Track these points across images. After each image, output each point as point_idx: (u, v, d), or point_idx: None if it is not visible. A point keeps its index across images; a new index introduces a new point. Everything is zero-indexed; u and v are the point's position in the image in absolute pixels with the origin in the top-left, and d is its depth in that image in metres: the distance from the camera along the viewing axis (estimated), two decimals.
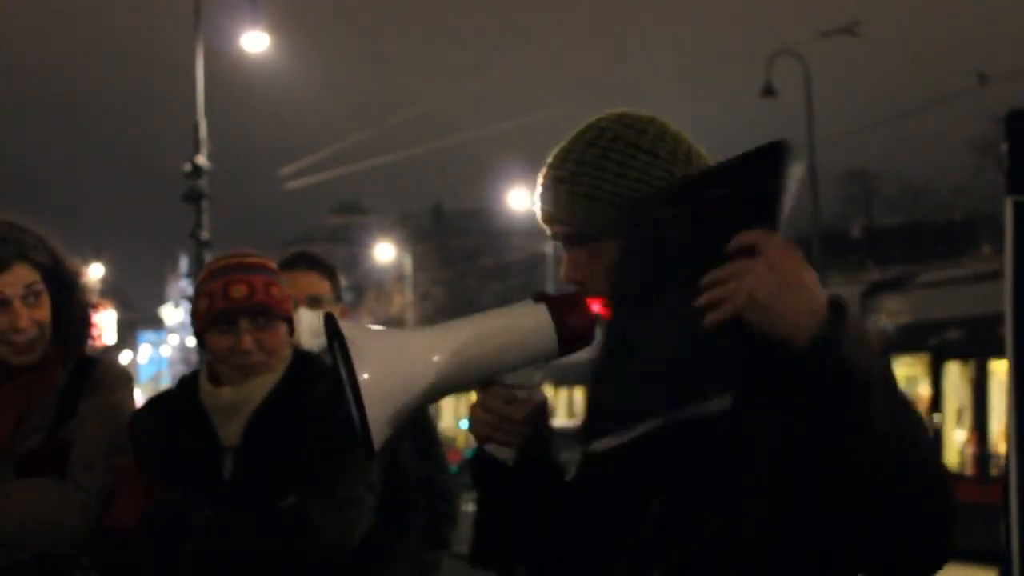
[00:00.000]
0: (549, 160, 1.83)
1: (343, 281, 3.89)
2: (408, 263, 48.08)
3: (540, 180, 1.83)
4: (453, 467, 5.96)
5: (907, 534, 1.48)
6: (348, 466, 2.57)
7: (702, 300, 1.50)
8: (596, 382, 1.72)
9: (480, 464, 1.82)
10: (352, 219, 68.05)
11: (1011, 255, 3.50)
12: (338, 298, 3.74)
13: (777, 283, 1.46)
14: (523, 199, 36.63)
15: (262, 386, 2.61)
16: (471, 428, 1.81)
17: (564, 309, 1.73)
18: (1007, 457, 3.46)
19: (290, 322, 2.70)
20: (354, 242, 59.52)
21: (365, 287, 54.30)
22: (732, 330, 1.48)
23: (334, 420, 2.46)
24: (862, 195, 58.47)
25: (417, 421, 3.85)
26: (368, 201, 70.45)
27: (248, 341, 2.58)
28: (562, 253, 1.83)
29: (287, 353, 2.68)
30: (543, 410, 1.83)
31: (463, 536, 3.46)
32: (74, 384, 2.80)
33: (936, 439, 13.48)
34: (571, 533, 1.79)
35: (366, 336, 1.67)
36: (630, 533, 1.69)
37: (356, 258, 54.90)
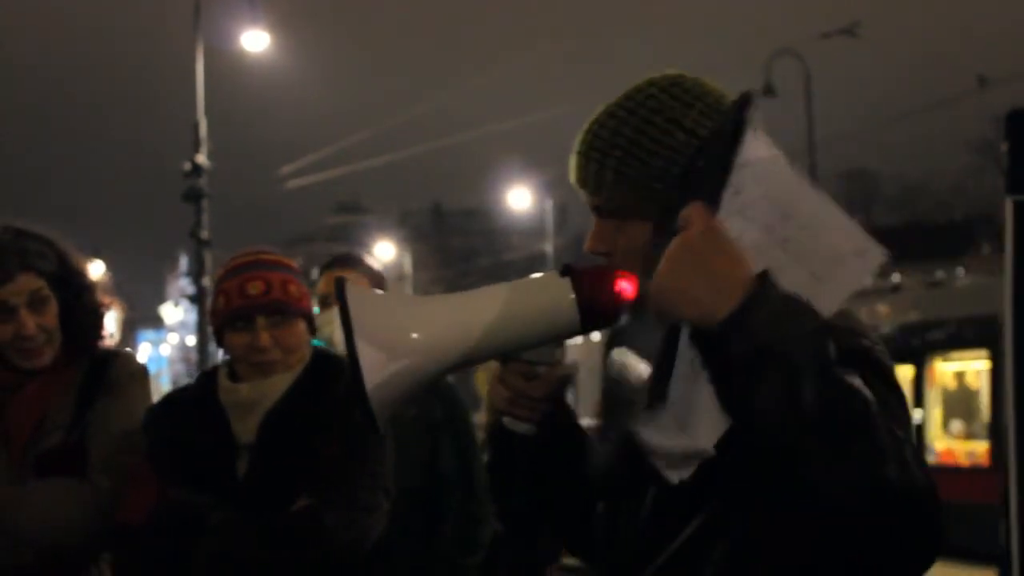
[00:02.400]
0: (592, 118, 1.73)
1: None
2: (408, 262, 48.06)
3: (577, 140, 1.73)
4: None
5: (855, 533, 1.34)
6: (364, 469, 2.56)
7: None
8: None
9: (498, 434, 1.80)
10: (352, 218, 67.99)
11: (1011, 255, 3.50)
12: None
13: (678, 265, 1.40)
14: (523, 199, 36.61)
15: (279, 384, 2.60)
16: (490, 399, 1.77)
17: (588, 284, 1.64)
18: (1007, 457, 3.46)
19: (309, 319, 2.68)
20: (354, 241, 59.38)
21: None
22: None
23: (351, 422, 2.45)
24: (862, 195, 58.48)
25: (455, 418, 3.86)
26: (368, 200, 70.43)
27: (265, 339, 2.57)
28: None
29: (306, 352, 2.66)
30: (565, 386, 1.78)
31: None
32: (91, 381, 2.83)
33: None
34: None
35: (376, 303, 1.60)
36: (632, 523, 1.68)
37: None
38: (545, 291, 1.64)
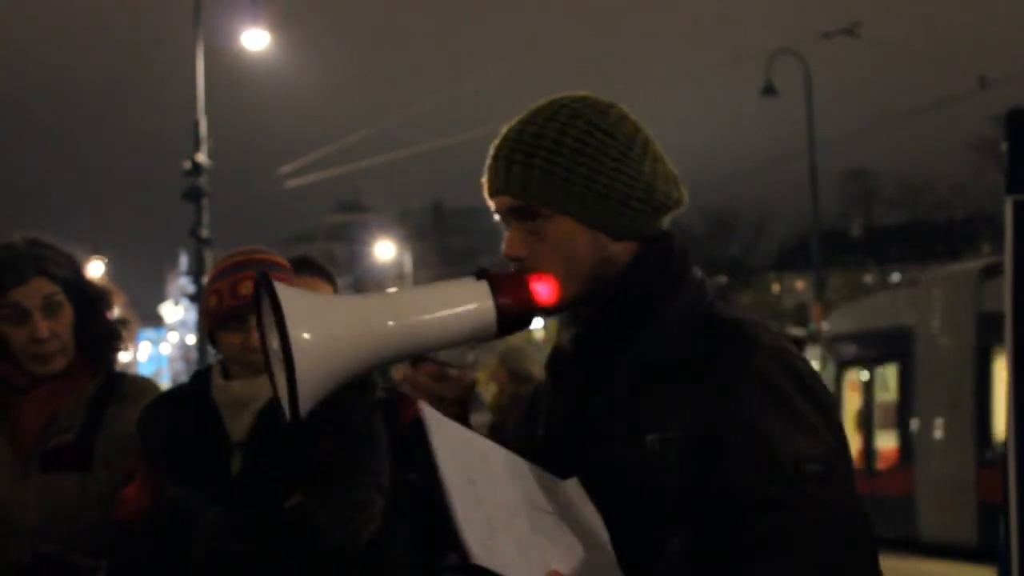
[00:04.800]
0: (504, 131, 1.79)
1: (340, 283, 3.93)
2: (408, 261, 48.06)
3: (492, 151, 1.78)
4: None
5: None
6: (358, 467, 2.56)
7: None
8: None
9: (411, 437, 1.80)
10: (352, 217, 68.08)
11: (1011, 255, 3.50)
12: None
13: None
14: None
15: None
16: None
17: (506, 289, 1.67)
18: (1007, 456, 3.46)
19: None
20: (354, 240, 59.57)
21: (365, 285, 54.27)
22: None
23: (345, 421, 2.48)
24: (862, 195, 58.45)
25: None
26: (368, 199, 70.54)
27: (257, 338, 2.57)
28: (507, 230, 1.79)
29: None
30: (472, 391, 1.81)
31: None
32: (103, 394, 2.88)
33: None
34: None
35: (300, 298, 1.62)
36: None
37: (356, 256, 54.95)
38: (463, 294, 1.67)
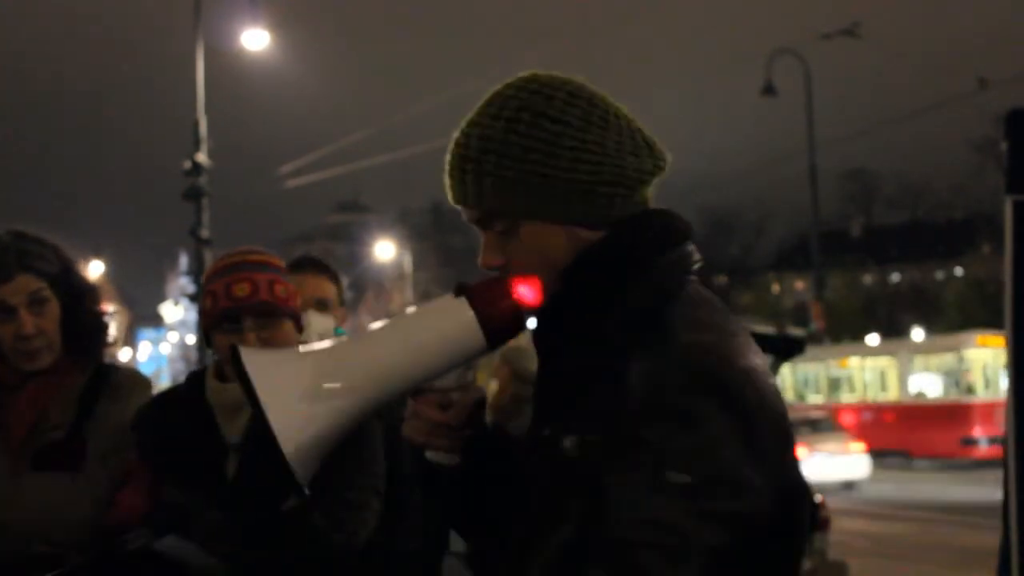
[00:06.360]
0: (455, 136, 1.67)
1: (344, 280, 3.93)
2: (408, 261, 48.08)
3: (447, 159, 1.67)
4: None
5: None
6: (354, 469, 2.55)
7: None
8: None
9: (425, 471, 1.73)
10: (352, 217, 68.05)
11: (1011, 255, 3.49)
12: (342, 302, 3.78)
13: None
14: None
15: None
16: (405, 436, 1.69)
17: (485, 299, 1.58)
18: (1007, 456, 3.45)
19: (297, 319, 2.68)
20: (354, 240, 59.53)
21: (365, 285, 54.31)
22: None
23: None
24: (862, 195, 58.48)
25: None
26: (368, 199, 70.55)
27: (252, 340, 2.55)
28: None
29: None
30: (481, 408, 1.71)
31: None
32: (93, 388, 2.87)
33: None
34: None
35: (276, 363, 1.54)
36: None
37: (356, 256, 54.90)
38: (444, 315, 1.59)
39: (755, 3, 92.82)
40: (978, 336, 27.07)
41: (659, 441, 1.43)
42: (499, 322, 1.58)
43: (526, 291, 1.61)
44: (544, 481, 1.55)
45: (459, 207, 1.68)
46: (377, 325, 1.62)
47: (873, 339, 34.29)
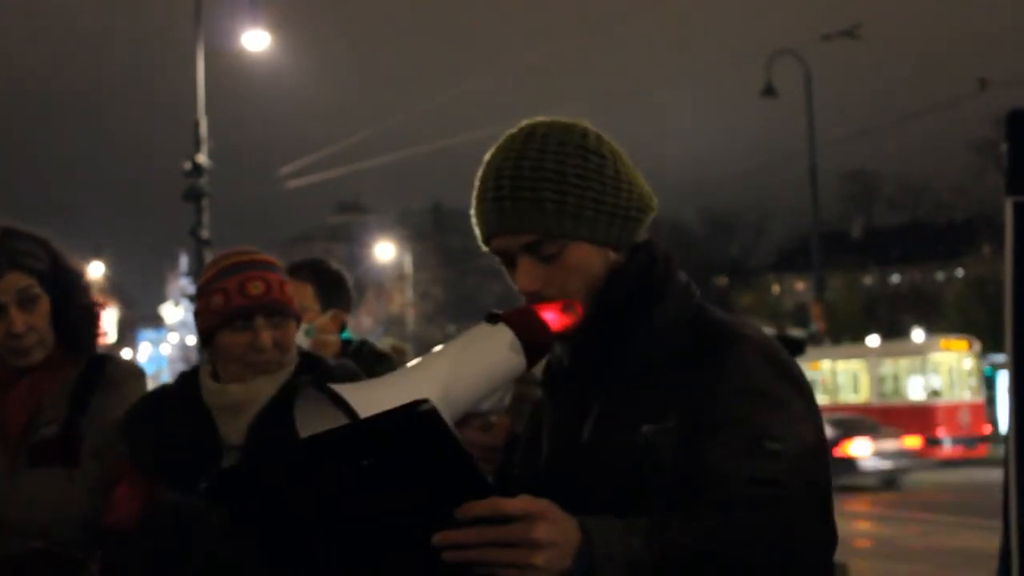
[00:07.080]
0: (493, 169, 1.80)
1: (350, 279, 3.91)
2: (408, 262, 48.13)
3: (488, 192, 1.79)
4: None
5: None
6: None
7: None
8: None
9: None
10: (352, 218, 68.06)
11: (1011, 255, 3.50)
12: (327, 304, 3.75)
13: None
14: None
15: (270, 385, 2.58)
16: None
17: (523, 324, 1.71)
18: (1007, 456, 3.46)
19: (299, 321, 2.69)
20: (354, 241, 59.50)
21: (365, 286, 54.28)
22: None
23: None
24: (862, 195, 58.47)
25: None
26: (368, 200, 70.51)
27: (267, 338, 2.55)
28: (510, 265, 1.81)
29: (295, 353, 2.67)
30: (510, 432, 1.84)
31: None
32: (86, 380, 2.86)
33: None
34: None
35: (365, 396, 1.58)
36: None
37: (356, 257, 54.88)
38: (488, 341, 1.69)
39: (755, 4, 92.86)
40: (941, 340, 28.70)
41: (754, 417, 1.65)
42: (537, 344, 1.71)
43: (552, 316, 1.74)
44: (622, 463, 1.70)
45: (497, 238, 1.80)
46: (415, 362, 1.68)
47: (874, 339, 34.32)
